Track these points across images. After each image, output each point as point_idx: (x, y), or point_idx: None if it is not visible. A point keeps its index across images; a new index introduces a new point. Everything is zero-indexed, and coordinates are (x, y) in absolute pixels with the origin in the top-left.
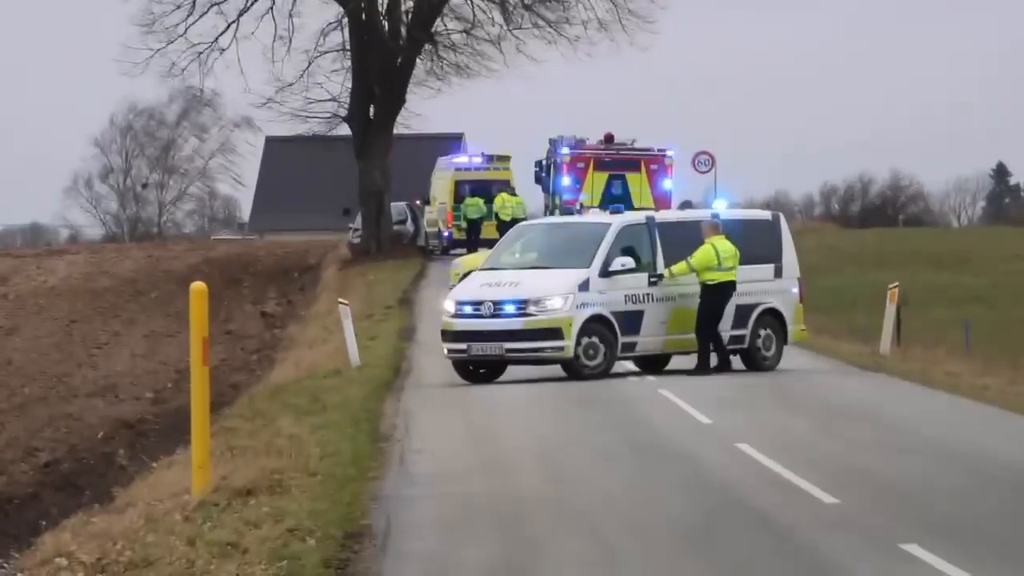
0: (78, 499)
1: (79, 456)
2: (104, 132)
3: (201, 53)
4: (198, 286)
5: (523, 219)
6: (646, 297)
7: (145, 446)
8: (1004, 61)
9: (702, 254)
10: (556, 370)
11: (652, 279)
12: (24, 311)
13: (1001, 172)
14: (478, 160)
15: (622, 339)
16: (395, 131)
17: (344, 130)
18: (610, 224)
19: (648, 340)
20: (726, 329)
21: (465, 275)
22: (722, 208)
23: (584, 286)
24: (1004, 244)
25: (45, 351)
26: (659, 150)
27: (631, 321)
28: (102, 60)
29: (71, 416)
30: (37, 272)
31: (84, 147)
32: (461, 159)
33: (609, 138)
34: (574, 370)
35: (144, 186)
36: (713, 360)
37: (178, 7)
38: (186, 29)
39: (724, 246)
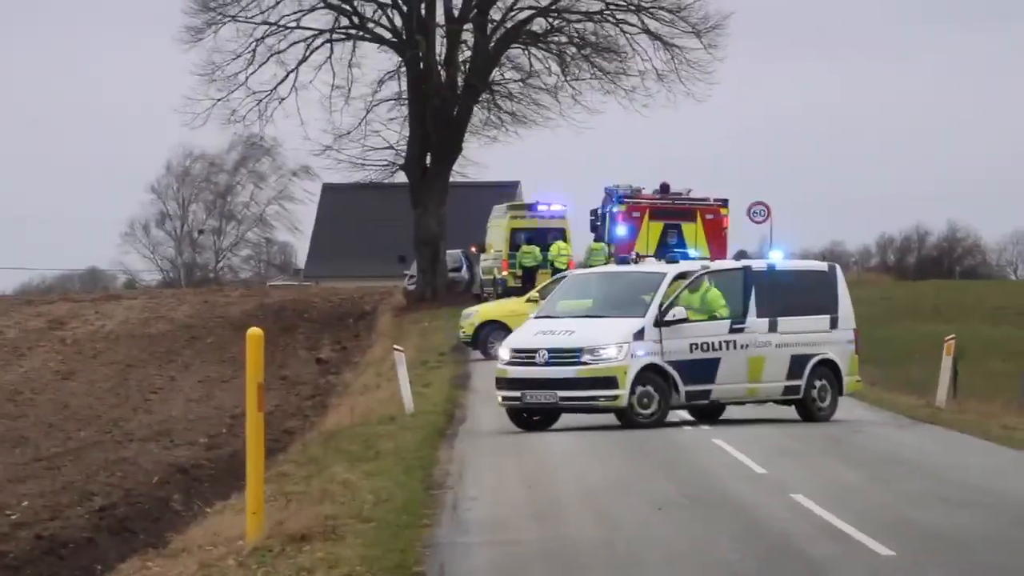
0: (133, 544)
1: (134, 501)
2: (160, 178)
3: (260, 101)
4: (254, 332)
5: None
6: (723, 344)
7: (199, 491)
8: None
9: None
10: (610, 418)
11: (736, 326)
12: (81, 355)
13: None
14: (539, 210)
15: (689, 388)
16: (451, 179)
17: (401, 177)
18: (665, 274)
19: (723, 388)
20: (781, 379)
21: (482, 324)
22: (778, 258)
23: (639, 335)
24: None
25: (101, 395)
26: (715, 200)
27: (703, 369)
28: (161, 107)
29: (126, 460)
30: (95, 316)
31: (142, 193)
32: (518, 207)
33: (665, 188)
34: (628, 419)
35: (201, 232)
36: None
37: (238, 56)
38: (247, 78)
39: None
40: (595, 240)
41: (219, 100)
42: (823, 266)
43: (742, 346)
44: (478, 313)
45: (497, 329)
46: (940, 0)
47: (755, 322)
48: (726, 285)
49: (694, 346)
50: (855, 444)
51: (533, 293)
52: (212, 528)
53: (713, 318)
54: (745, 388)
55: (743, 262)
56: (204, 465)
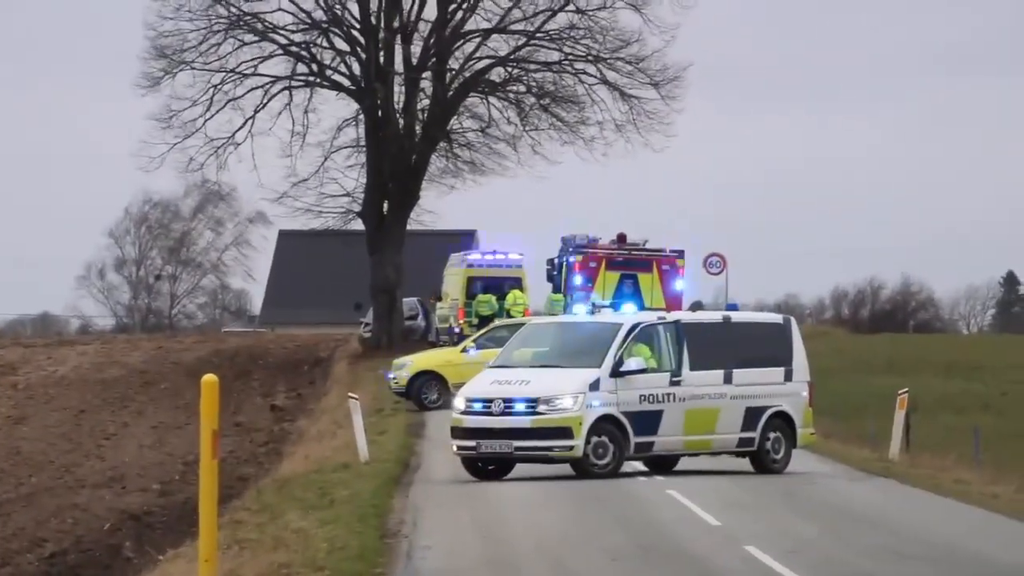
0: None
1: (85, 548)
2: (119, 223)
3: (218, 148)
4: (209, 378)
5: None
6: (666, 397)
7: (151, 538)
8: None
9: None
10: (565, 468)
11: (674, 379)
12: (33, 401)
13: (1011, 280)
14: (491, 258)
15: (637, 439)
16: (408, 227)
17: (358, 225)
18: (621, 324)
19: (665, 440)
20: (735, 431)
21: (416, 375)
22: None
23: (595, 385)
24: (1013, 352)
25: (53, 441)
26: (671, 251)
27: (648, 421)
28: (119, 153)
29: (78, 507)
30: (47, 362)
31: (98, 237)
32: (474, 256)
33: (622, 238)
34: (583, 469)
35: (157, 278)
36: None
37: (195, 103)
38: (204, 123)
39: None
40: (553, 291)
41: (175, 144)
42: (778, 318)
43: (681, 399)
44: (412, 363)
45: (431, 380)
46: (897, 54)
47: (690, 375)
48: (659, 338)
49: (643, 397)
50: (809, 497)
51: (468, 342)
52: None
53: (655, 371)
54: (683, 440)
55: (673, 314)
56: (156, 512)
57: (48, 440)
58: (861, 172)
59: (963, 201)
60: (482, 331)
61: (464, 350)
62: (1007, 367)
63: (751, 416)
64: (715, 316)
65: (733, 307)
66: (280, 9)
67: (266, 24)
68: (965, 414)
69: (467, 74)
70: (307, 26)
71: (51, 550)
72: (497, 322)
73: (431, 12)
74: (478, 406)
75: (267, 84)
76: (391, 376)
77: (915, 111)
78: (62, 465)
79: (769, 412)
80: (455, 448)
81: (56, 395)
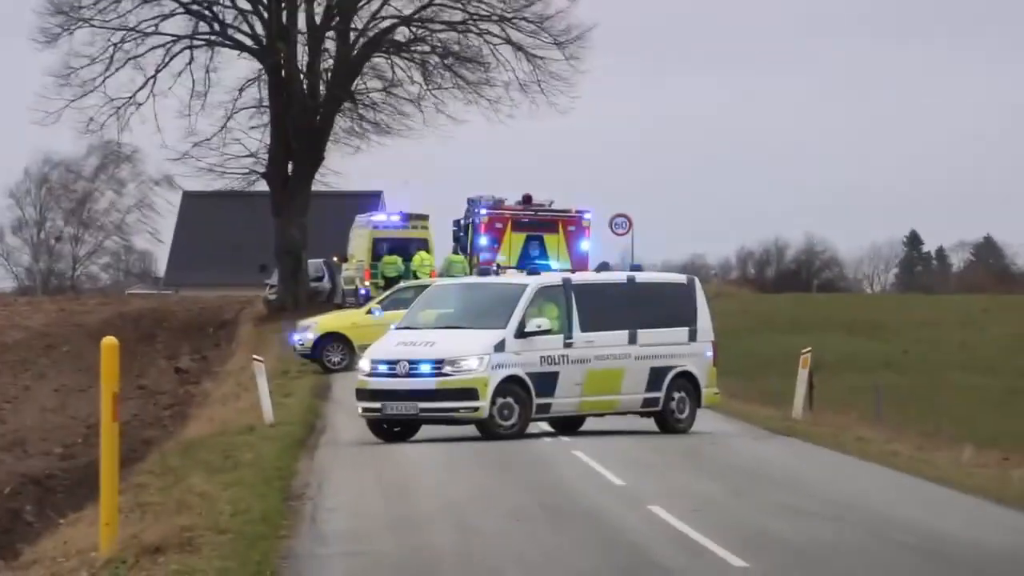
0: None
1: None
2: (19, 183)
3: (119, 108)
4: (109, 341)
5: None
6: (561, 359)
7: (53, 502)
8: (919, 132)
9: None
10: (470, 430)
11: (567, 341)
12: None
13: (914, 240)
14: (396, 219)
15: (537, 400)
16: (313, 188)
17: (262, 186)
18: (526, 285)
19: (563, 402)
20: (640, 391)
21: (321, 336)
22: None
23: (500, 347)
24: (915, 311)
25: None
26: (577, 211)
27: (546, 382)
28: (17, 111)
29: None
30: None
31: None
32: (379, 217)
33: (527, 199)
34: (488, 430)
35: (58, 239)
36: None
37: (95, 61)
38: (103, 81)
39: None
40: (454, 252)
41: (72, 101)
42: (682, 278)
43: (576, 360)
44: (317, 325)
45: (336, 341)
46: (807, 14)
47: (586, 336)
48: (554, 298)
49: (542, 359)
50: (712, 456)
51: (373, 304)
52: (65, 540)
53: (552, 332)
54: (583, 401)
55: (563, 275)
56: (58, 476)
57: None
58: (766, 132)
59: (868, 161)
60: (387, 292)
61: (369, 311)
62: (909, 325)
63: (656, 376)
64: (619, 276)
65: (637, 267)
66: None
67: None
68: (867, 373)
69: (371, 34)
70: None
71: None
72: (403, 284)
73: None
74: (383, 368)
75: (168, 43)
76: (296, 338)
77: (825, 72)
78: None
79: (674, 372)
80: (360, 410)
81: None
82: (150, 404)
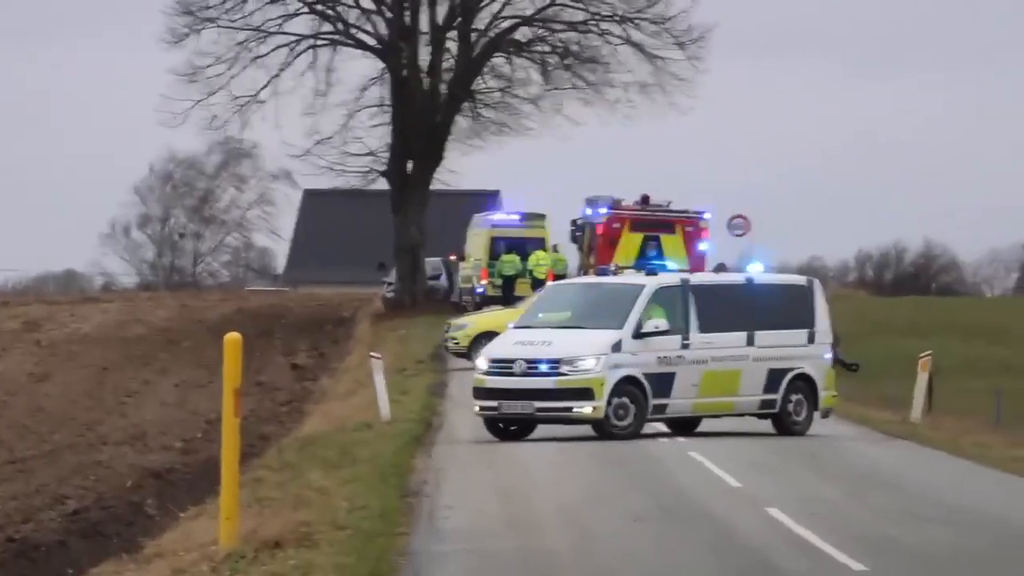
0: (105, 548)
1: (107, 505)
2: (143, 180)
3: (242, 106)
4: (232, 337)
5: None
6: (678, 359)
7: (173, 496)
8: None
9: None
10: (586, 430)
11: (685, 341)
12: (56, 358)
13: None
14: (515, 218)
15: (653, 401)
16: (432, 187)
17: (382, 184)
18: (644, 285)
19: (679, 403)
20: (757, 393)
21: (478, 336)
22: (757, 271)
23: (617, 347)
24: None
25: (75, 398)
26: (695, 212)
27: (663, 383)
28: (143, 109)
29: (100, 464)
30: (71, 319)
31: (122, 195)
32: (498, 216)
33: (645, 199)
34: (604, 430)
35: (181, 235)
36: None
37: (219, 61)
38: (228, 81)
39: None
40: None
41: (199, 101)
42: (802, 280)
43: (693, 361)
44: (475, 324)
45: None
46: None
47: (703, 337)
48: (672, 299)
49: (660, 360)
50: (830, 459)
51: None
52: (185, 533)
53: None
54: (699, 403)
55: (681, 275)
56: (178, 470)
57: (71, 397)
58: (886, 135)
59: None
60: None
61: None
62: None
63: (773, 378)
64: (738, 277)
65: (722, 267)
66: None
67: None
68: (987, 377)
69: (492, 34)
70: None
71: (73, 507)
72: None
73: None
74: (500, 367)
75: (292, 43)
76: (449, 336)
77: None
78: (84, 422)
79: (791, 374)
80: (477, 408)
81: (79, 352)
82: (267, 400)
